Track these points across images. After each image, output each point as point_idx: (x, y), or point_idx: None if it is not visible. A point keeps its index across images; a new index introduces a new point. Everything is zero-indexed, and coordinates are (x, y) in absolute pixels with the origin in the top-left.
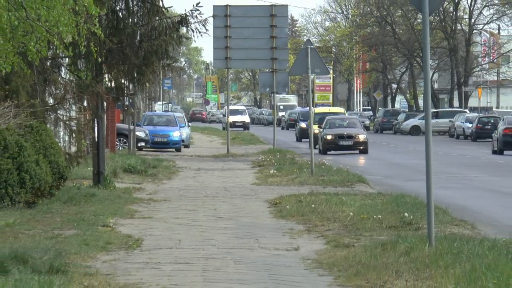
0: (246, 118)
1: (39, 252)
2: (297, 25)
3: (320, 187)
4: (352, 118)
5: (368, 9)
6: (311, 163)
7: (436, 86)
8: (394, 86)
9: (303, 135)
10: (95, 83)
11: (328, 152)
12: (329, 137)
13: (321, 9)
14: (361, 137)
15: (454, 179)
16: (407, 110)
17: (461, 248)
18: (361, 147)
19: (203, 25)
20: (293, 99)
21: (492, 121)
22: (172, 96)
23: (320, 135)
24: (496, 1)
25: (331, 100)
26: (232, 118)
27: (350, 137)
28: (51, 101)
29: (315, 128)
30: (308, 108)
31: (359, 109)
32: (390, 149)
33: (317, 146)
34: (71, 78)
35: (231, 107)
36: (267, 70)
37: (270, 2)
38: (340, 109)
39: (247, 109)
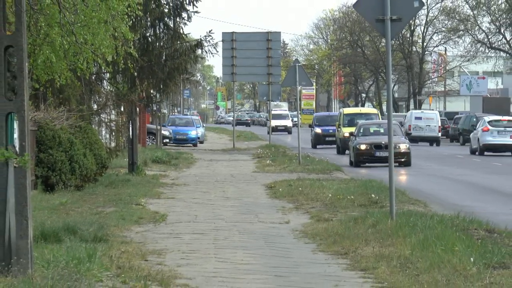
0: (288, 123)
1: (85, 225)
2: (288, 47)
3: (305, 174)
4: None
5: (343, 35)
6: (299, 155)
7: (396, 95)
8: (364, 95)
9: (319, 141)
10: (130, 93)
11: (362, 165)
12: (363, 147)
13: (306, 35)
14: (403, 147)
15: (410, 168)
16: None
17: (416, 222)
18: (403, 159)
19: (214, 47)
20: (284, 105)
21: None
22: (190, 103)
23: (352, 144)
24: (443, 29)
25: (314, 106)
26: (274, 123)
27: None
28: (95, 107)
29: (345, 131)
30: (326, 112)
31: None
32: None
33: (346, 152)
34: (111, 89)
35: (274, 111)
36: (264, 83)
37: (266, 29)
38: (373, 110)
39: (247, 113)
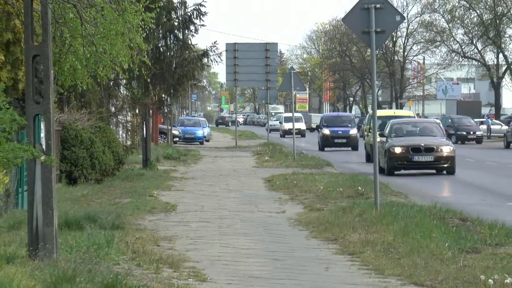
0: (302, 125)
1: (104, 214)
2: (284, 56)
3: (300, 169)
4: (428, 122)
5: (333, 45)
6: (293, 152)
7: (380, 99)
8: (351, 99)
9: (327, 142)
10: (144, 97)
11: (396, 172)
12: (397, 150)
13: (300, 46)
14: (446, 150)
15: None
16: (359, 115)
17: (398, 211)
18: (446, 165)
19: (218, 56)
20: (281, 108)
21: None
22: (197, 106)
23: (383, 147)
24: (422, 40)
25: (307, 109)
26: (287, 126)
27: (429, 149)
28: (113, 109)
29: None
30: (335, 113)
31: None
32: None
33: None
34: (127, 93)
35: (286, 114)
36: (263, 88)
37: (265, 41)
38: (409, 113)
39: (248, 115)
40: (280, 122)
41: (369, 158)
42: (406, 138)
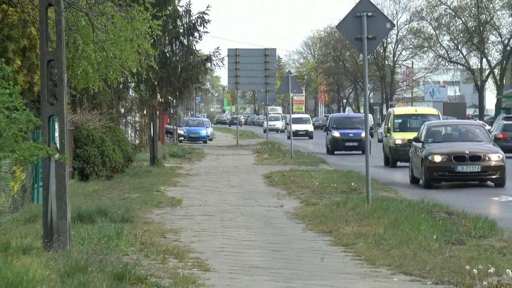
0: (309, 127)
1: (114, 208)
2: (282, 61)
3: (296, 166)
4: (471, 124)
5: (328, 51)
6: (291, 150)
7: (371, 100)
8: (344, 100)
9: (337, 146)
10: (151, 99)
11: (436, 184)
12: (437, 158)
13: (297, 51)
14: (494, 158)
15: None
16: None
17: (388, 205)
18: (494, 176)
19: (221, 61)
20: (279, 109)
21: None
22: (200, 107)
23: (419, 154)
24: (411, 46)
25: (303, 110)
26: (294, 127)
27: (475, 158)
28: (122, 110)
29: (396, 138)
30: (344, 113)
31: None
32: None
33: (398, 164)
34: (135, 95)
35: (294, 115)
36: (262, 90)
37: (264, 46)
38: (432, 110)
39: (248, 116)
40: (286, 123)
41: (388, 162)
42: (446, 144)
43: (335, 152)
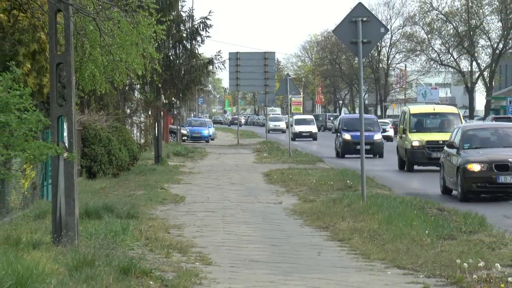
0: (313, 128)
1: (120, 204)
2: (281, 64)
3: (295, 164)
4: (508, 126)
5: (324, 54)
6: (289, 149)
7: (366, 102)
8: (341, 102)
9: (348, 149)
10: (155, 100)
11: (474, 196)
12: (476, 167)
13: (295, 54)
14: None
15: (379, 161)
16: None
17: (382, 202)
18: None
19: (222, 64)
20: (278, 110)
21: None
22: (203, 108)
23: (455, 162)
24: (404, 50)
25: (301, 111)
26: (298, 128)
27: None
28: (128, 111)
29: (413, 139)
30: (355, 114)
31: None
32: None
33: (415, 168)
34: (141, 97)
35: (297, 116)
36: (262, 92)
37: (264, 50)
38: (452, 109)
39: (248, 116)
40: (291, 125)
41: (403, 165)
42: (485, 151)
43: (346, 156)
